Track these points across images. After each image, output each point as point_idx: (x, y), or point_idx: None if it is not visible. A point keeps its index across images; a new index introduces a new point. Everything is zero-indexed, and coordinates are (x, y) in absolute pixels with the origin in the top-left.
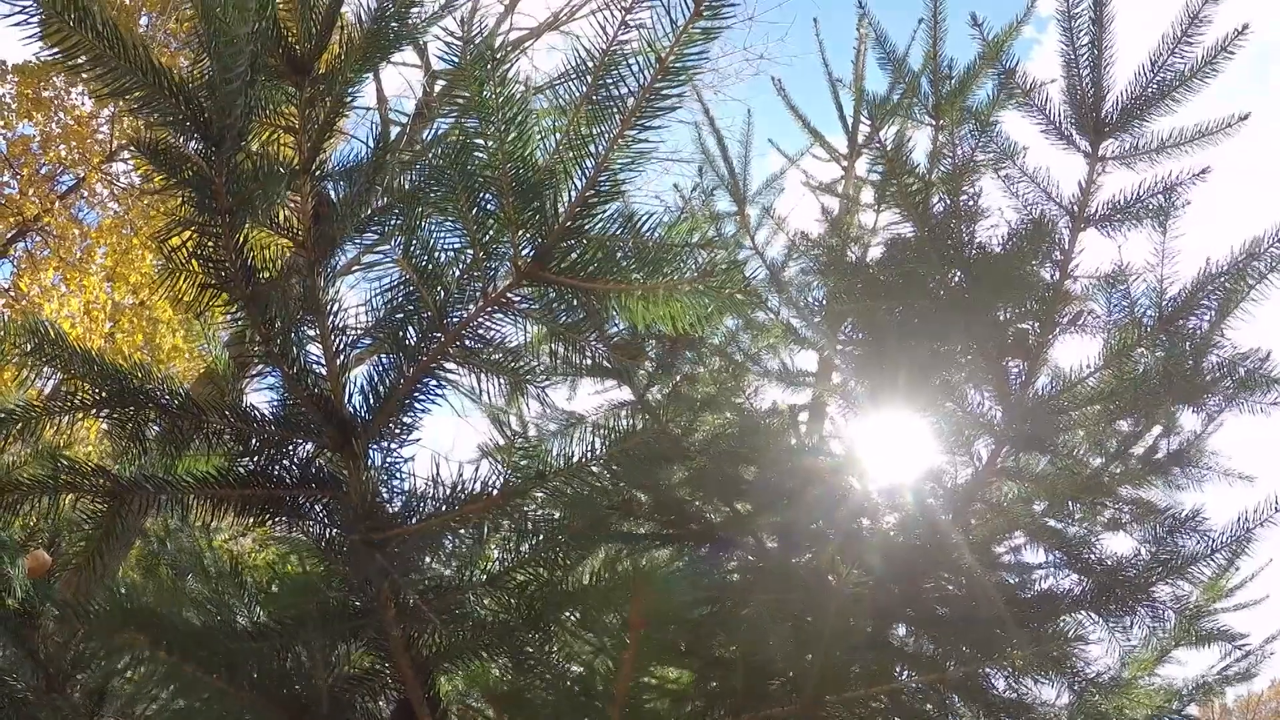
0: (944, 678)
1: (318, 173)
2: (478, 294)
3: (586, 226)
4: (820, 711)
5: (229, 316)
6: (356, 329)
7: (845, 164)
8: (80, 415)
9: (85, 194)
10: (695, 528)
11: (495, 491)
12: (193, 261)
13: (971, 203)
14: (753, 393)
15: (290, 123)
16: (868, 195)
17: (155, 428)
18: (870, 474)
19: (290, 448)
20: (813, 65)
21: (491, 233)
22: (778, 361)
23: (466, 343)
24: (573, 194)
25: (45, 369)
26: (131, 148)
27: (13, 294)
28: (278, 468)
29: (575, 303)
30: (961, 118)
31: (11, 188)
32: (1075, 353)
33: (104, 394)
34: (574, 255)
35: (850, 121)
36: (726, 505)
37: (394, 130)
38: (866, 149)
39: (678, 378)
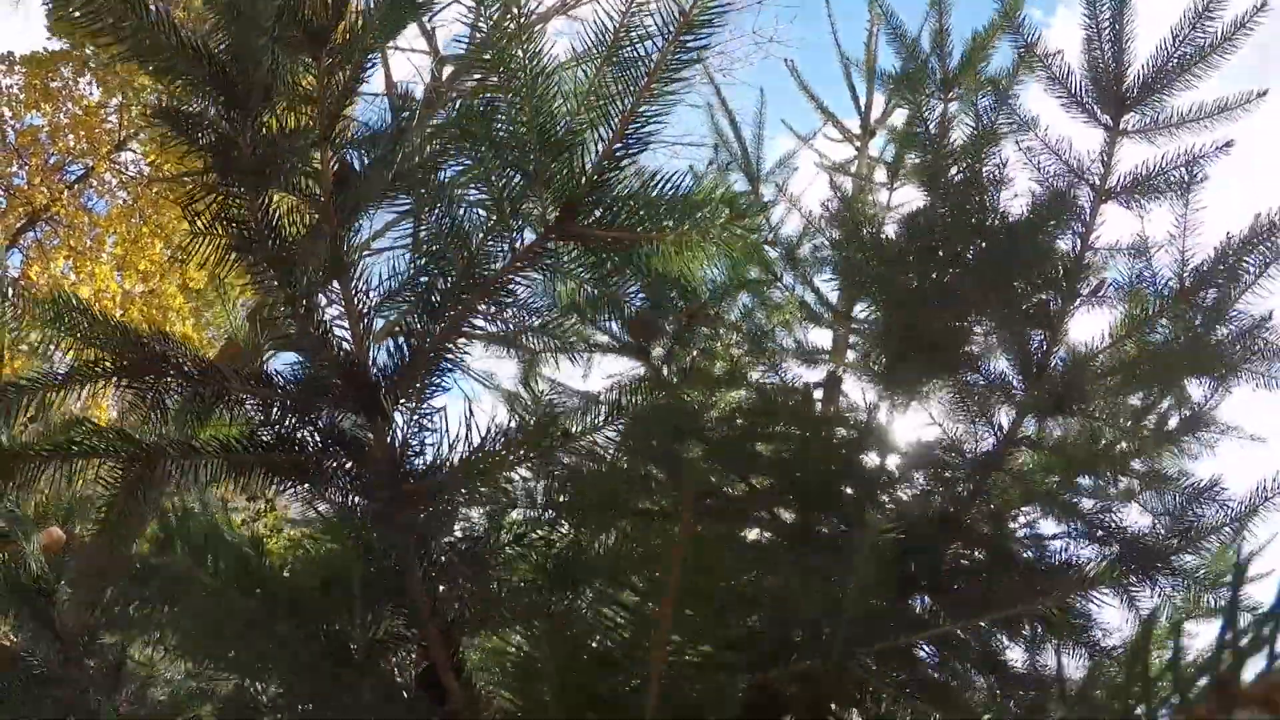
0: (963, 629)
1: (337, 140)
2: (505, 251)
3: (614, 180)
4: (850, 664)
5: (253, 279)
6: (381, 292)
7: (858, 144)
8: (100, 384)
9: (94, 183)
10: (711, 503)
11: (525, 433)
12: (218, 224)
13: (993, 173)
14: (768, 369)
15: (309, 92)
16: (881, 175)
17: (176, 397)
18: (888, 447)
19: (314, 413)
20: (822, 50)
21: (519, 189)
22: (793, 339)
23: (495, 299)
24: (600, 147)
25: (66, 338)
26: (154, 118)
27: (23, 283)
28: (302, 433)
29: (604, 255)
30: (979, 87)
31: (20, 178)
32: (1096, 325)
33: (125, 362)
34: (603, 207)
35: (863, 102)
36: (743, 480)
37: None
38: (883, 125)
39: (694, 353)
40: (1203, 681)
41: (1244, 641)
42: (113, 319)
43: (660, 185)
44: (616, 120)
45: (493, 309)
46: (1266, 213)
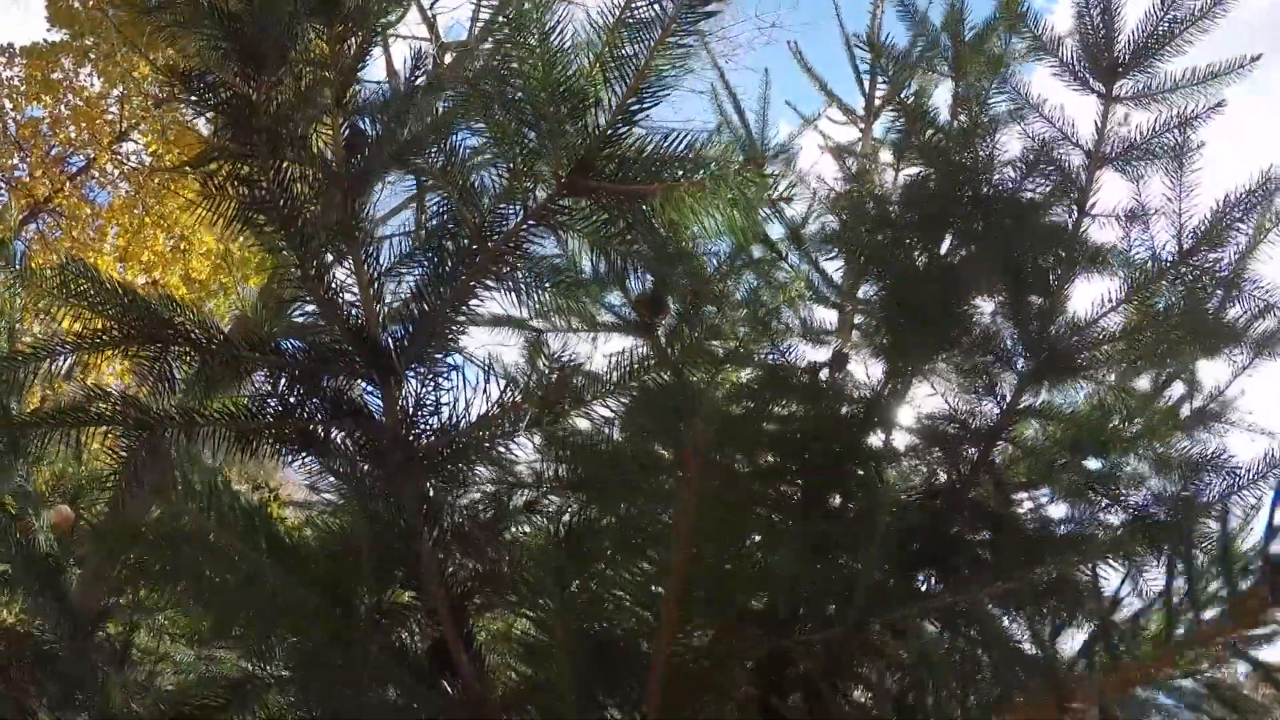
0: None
1: (349, 106)
2: (517, 211)
3: (627, 135)
4: (865, 636)
5: (264, 242)
6: (393, 256)
7: (862, 126)
8: (107, 353)
9: (96, 174)
10: (718, 482)
11: (538, 393)
12: (229, 186)
13: (991, 151)
14: (774, 347)
15: (321, 58)
16: (885, 156)
17: (184, 367)
18: (893, 421)
19: (323, 381)
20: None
21: (532, 149)
22: (798, 318)
23: (507, 259)
24: (613, 103)
25: (73, 306)
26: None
27: (38, 282)
28: (311, 402)
29: (617, 212)
30: (983, 67)
31: (22, 170)
32: (1096, 292)
33: (132, 330)
34: (616, 162)
35: (867, 83)
36: (749, 458)
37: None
38: (892, 103)
39: (699, 331)
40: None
41: None
42: (119, 285)
43: (673, 141)
44: (631, 75)
45: (504, 269)
46: (1263, 171)
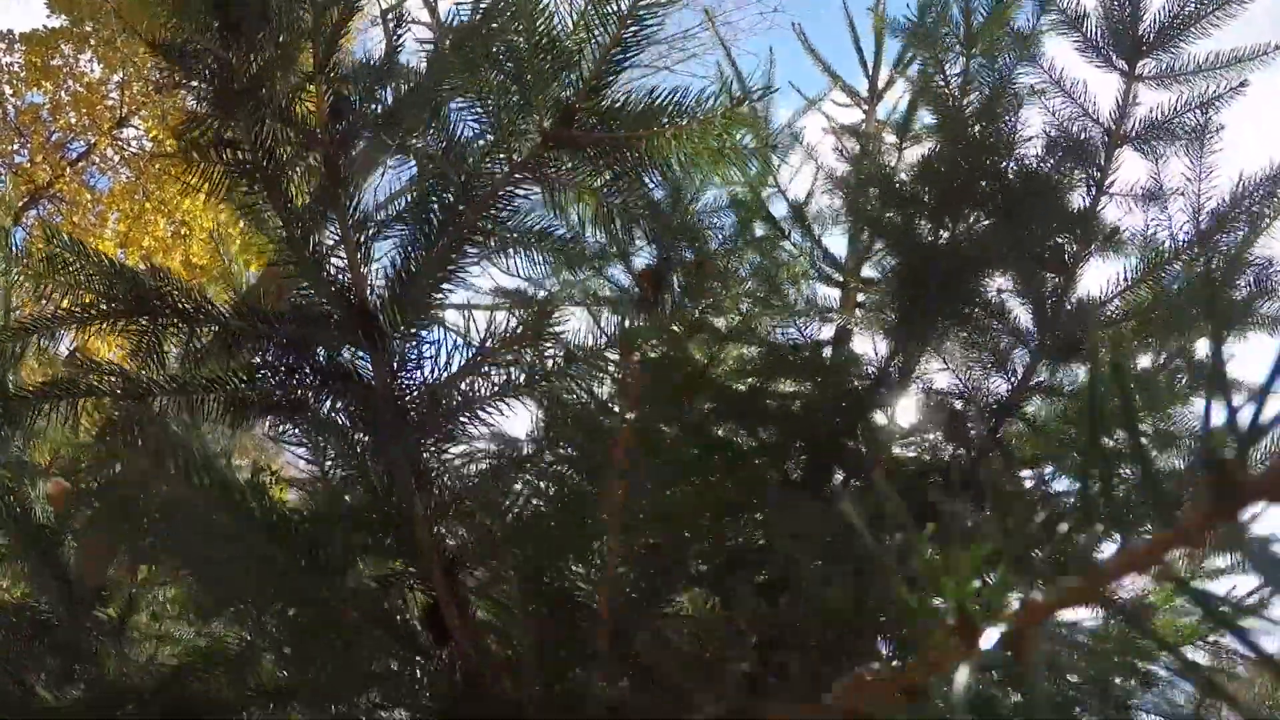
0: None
1: (332, 74)
2: (503, 166)
3: (612, 85)
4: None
5: (249, 208)
6: (378, 221)
7: (866, 107)
8: (98, 326)
9: (96, 160)
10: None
11: (528, 330)
12: (213, 151)
13: (1010, 126)
14: (777, 325)
15: (304, 25)
16: (890, 137)
17: (174, 339)
18: (900, 398)
19: (312, 348)
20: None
21: (517, 105)
22: (802, 295)
23: (493, 214)
24: (596, 52)
25: (60, 280)
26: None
27: (26, 261)
28: (301, 368)
29: (603, 163)
30: (1001, 41)
31: (22, 156)
32: (1111, 271)
33: (121, 303)
34: (600, 113)
35: (871, 65)
36: (752, 435)
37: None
38: (894, 84)
39: (702, 305)
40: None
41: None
42: (105, 257)
43: (660, 94)
44: (614, 25)
45: (491, 225)
46: None
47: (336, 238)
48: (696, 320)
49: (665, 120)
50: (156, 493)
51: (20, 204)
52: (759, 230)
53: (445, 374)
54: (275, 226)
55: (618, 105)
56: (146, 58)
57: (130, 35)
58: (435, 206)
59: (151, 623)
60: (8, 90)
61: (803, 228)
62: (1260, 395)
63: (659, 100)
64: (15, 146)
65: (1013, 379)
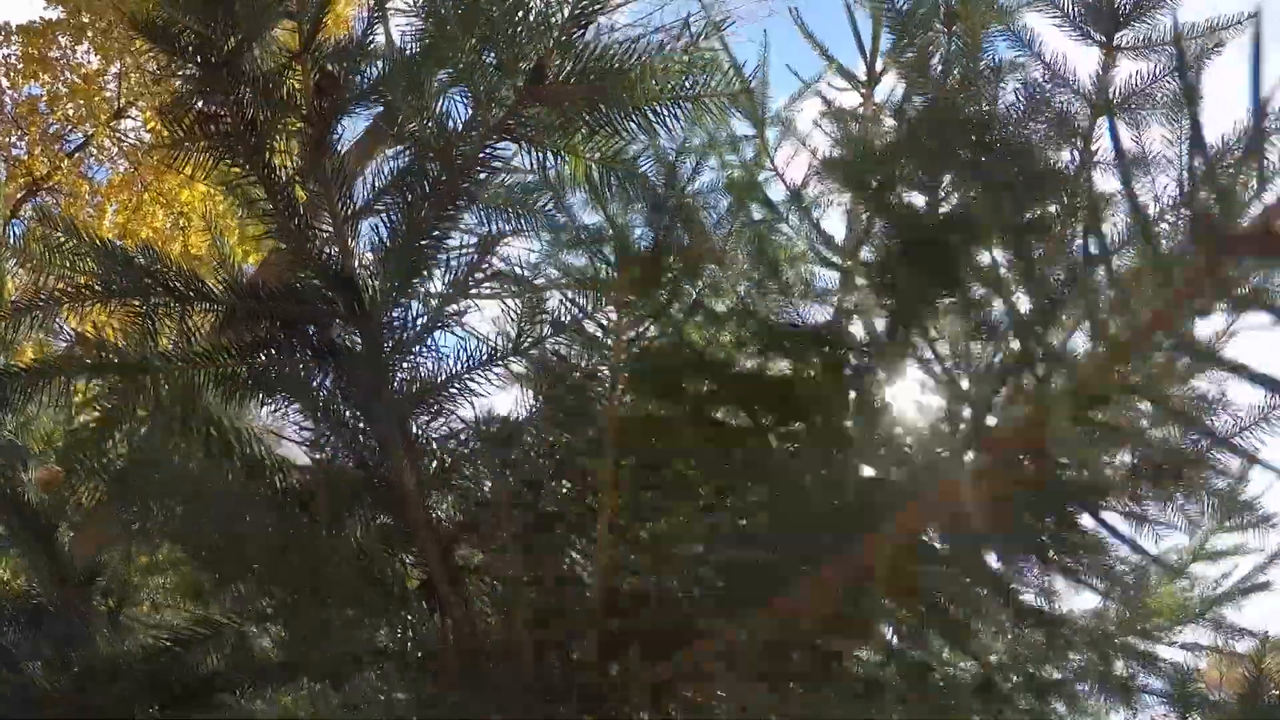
0: None
1: (318, 53)
2: (481, 128)
3: (585, 42)
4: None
5: (235, 182)
6: (366, 195)
7: (864, 91)
8: (90, 307)
9: (94, 151)
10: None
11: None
12: (197, 128)
13: (995, 94)
14: (775, 309)
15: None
16: (889, 121)
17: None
18: (895, 372)
19: (302, 323)
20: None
21: (493, 70)
22: (799, 279)
23: (474, 176)
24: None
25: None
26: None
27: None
28: (291, 344)
29: (579, 119)
30: (981, 15)
31: (20, 148)
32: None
33: (114, 284)
34: (572, 68)
35: (868, 49)
36: (749, 416)
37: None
38: (890, 68)
39: (698, 290)
40: None
41: None
42: (98, 236)
43: (632, 47)
44: None
45: (473, 186)
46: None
47: (323, 210)
48: (694, 303)
49: (634, 60)
50: (173, 464)
51: (18, 196)
52: (756, 213)
53: (427, 335)
54: (260, 199)
55: (591, 56)
56: (143, 48)
57: (126, 26)
58: (417, 175)
59: (150, 613)
60: (5, 82)
61: (800, 210)
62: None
63: (628, 47)
64: (13, 139)
65: (1004, 349)
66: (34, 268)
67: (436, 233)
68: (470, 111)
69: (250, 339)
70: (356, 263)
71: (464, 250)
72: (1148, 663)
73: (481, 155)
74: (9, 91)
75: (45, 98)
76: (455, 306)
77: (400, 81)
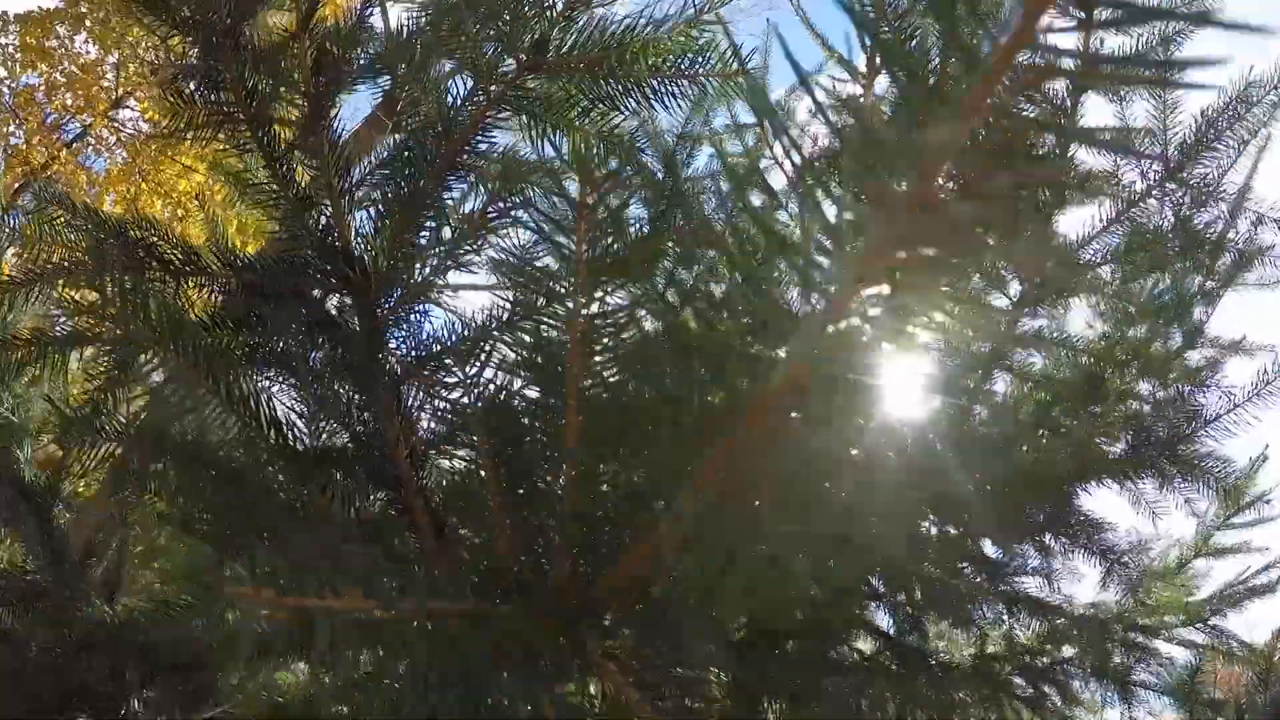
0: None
1: (316, 31)
2: (481, 101)
3: (585, 18)
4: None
5: (236, 150)
6: (365, 168)
7: (865, 82)
8: (84, 281)
9: (92, 141)
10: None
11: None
12: (197, 98)
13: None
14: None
15: None
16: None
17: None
18: (889, 353)
19: (297, 296)
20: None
21: (495, 48)
22: (798, 265)
23: (473, 145)
24: None
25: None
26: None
27: (21, 243)
28: (285, 317)
29: (578, 91)
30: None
31: (17, 138)
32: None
33: (109, 257)
34: (573, 41)
35: (870, 40)
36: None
37: None
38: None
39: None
40: None
41: None
42: (91, 208)
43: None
44: None
45: (470, 157)
46: (1243, 75)
47: (321, 185)
48: (691, 287)
49: (633, 36)
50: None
51: (16, 186)
52: (755, 200)
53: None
54: (258, 176)
55: (592, 29)
56: (141, 37)
57: (124, 14)
58: (417, 148)
59: (147, 588)
60: (2, 72)
61: (799, 197)
62: None
63: (628, 24)
64: (10, 128)
65: (999, 328)
66: (30, 243)
67: (433, 204)
68: (470, 85)
69: (246, 312)
70: (353, 235)
71: (459, 224)
72: (1145, 656)
73: (480, 126)
74: (6, 81)
75: (43, 87)
76: (448, 277)
77: (402, 55)
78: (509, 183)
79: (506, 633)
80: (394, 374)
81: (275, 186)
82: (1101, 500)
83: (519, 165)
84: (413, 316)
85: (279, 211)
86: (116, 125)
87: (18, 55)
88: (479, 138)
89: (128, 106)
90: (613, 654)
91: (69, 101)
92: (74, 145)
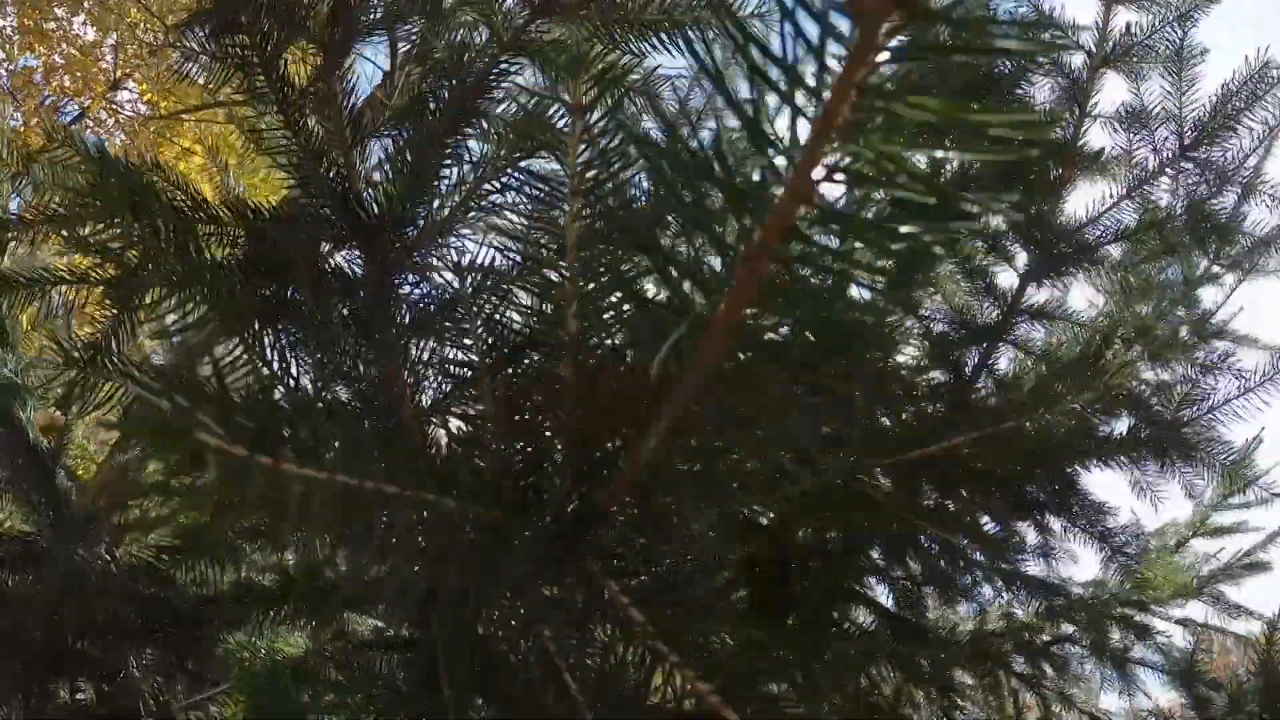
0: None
1: None
2: (494, 48)
3: None
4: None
5: (250, 96)
6: (378, 120)
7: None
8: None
9: (90, 123)
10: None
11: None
12: (210, 42)
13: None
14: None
15: None
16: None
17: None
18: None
19: (307, 245)
20: None
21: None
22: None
23: (486, 94)
24: None
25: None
26: None
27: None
28: (293, 267)
29: (591, 36)
30: None
31: (16, 120)
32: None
33: (112, 200)
34: None
35: None
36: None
37: None
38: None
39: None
40: None
41: None
42: (97, 147)
43: None
44: None
45: (486, 103)
46: (1259, 53)
47: (333, 132)
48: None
49: None
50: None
51: (15, 169)
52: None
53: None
54: (270, 123)
55: None
56: (140, 19)
57: None
58: (431, 94)
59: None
60: (1, 55)
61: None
62: None
63: None
64: (9, 110)
65: (1004, 302)
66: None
67: (447, 148)
68: (484, 34)
69: (255, 263)
70: (364, 185)
71: (475, 167)
72: (1144, 635)
73: (494, 72)
74: (4, 63)
75: (41, 69)
76: (461, 224)
77: (417, 4)
78: (523, 133)
79: (498, 535)
80: (404, 325)
81: (289, 134)
82: (1102, 482)
83: (535, 110)
84: (424, 264)
85: (291, 160)
86: (115, 107)
87: (15, 37)
88: (492, 82)
89: (126, 88)
90: (614, 571)
91: (67, 84)
92: (72, 127)
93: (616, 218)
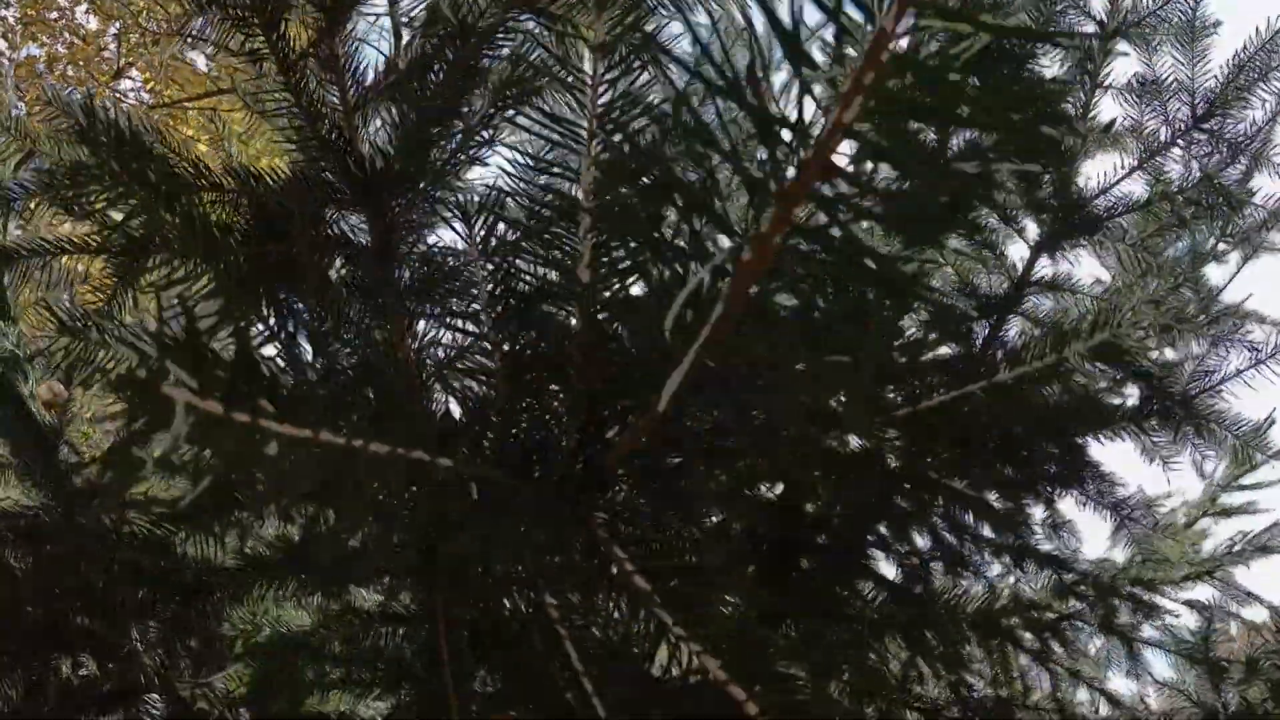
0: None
1: None
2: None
3: None
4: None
5: (250, 58)
6: (380, 73)
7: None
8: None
9: None
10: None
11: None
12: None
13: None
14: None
15: None
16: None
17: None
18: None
19: (308, 208)
20: None
21: None
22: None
23: (490, 48)
24: None
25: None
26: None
27: (25, 216)
28: (293, 231)
29: None
30: None
31: (19, 109)
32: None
33: (112, 166)
34: None
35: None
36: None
37: None
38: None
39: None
40: None
41: None
42: (95, 110)
43: None
44: None
45: (488, 62)
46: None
47: (334, 93)
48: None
49: None
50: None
51: (19, 157)
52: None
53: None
54: (272, 73)
55: None
56: (143, 5)
57: None
58: (434, 54)
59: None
60: (3, 44)
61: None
62: None
63: None
64: (12, 99)
65: (1013, 273)
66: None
67: (450, 103)
68: None
69: (255, 228)
70: (366, 146)
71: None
72: (1153, 613)
73: (500, 28)
74: (7, 53)
75: (44, 59)
76: (460, 181)
77: None
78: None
79: (500, 497)
80: (406, 287)
81: (289, 96)
82: (1113, 454)
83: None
84: (425, 220)
85: (292, 123)
86: (118, 96)
87: (18, 27)
88: (498, 38)
89: (129, 77)
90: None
91: (70, 73)
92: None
93: (640, 154)
